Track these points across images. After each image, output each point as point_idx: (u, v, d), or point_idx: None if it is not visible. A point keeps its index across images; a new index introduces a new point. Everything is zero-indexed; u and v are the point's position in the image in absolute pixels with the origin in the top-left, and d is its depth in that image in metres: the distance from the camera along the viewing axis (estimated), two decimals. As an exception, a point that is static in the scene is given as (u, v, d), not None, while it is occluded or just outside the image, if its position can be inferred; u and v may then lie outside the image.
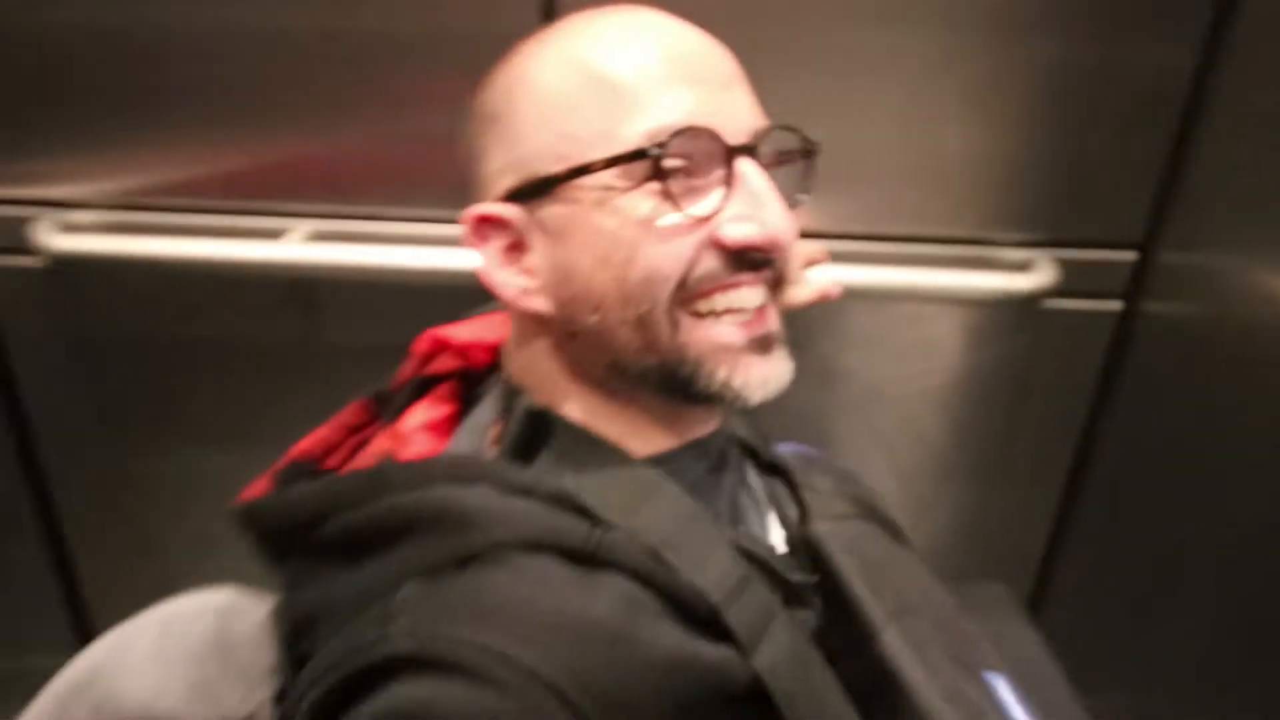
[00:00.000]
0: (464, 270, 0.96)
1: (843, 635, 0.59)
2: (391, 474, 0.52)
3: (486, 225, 0.56)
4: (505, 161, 0.56)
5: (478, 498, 0.50)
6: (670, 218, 0.51)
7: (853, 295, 1.07)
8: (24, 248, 1.03)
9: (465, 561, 0.47)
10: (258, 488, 0.60)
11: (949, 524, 1.32)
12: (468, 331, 0.67)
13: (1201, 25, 0.99)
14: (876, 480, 1.29)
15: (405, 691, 0.42)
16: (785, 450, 0.74)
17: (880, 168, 1.07)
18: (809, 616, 0.59)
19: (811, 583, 0.60)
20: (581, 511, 0.51)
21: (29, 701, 0.60)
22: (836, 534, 0.63)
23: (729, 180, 0.52)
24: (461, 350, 0.66)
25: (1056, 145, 1.06)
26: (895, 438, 1.25)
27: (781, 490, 0.69)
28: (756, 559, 0.56)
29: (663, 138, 0.50)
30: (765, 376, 0.55)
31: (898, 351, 1.19)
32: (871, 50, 1.01)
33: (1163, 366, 1.12)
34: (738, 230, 0.52)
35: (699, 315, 0.54)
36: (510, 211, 0.55)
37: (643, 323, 0.53)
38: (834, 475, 0.72)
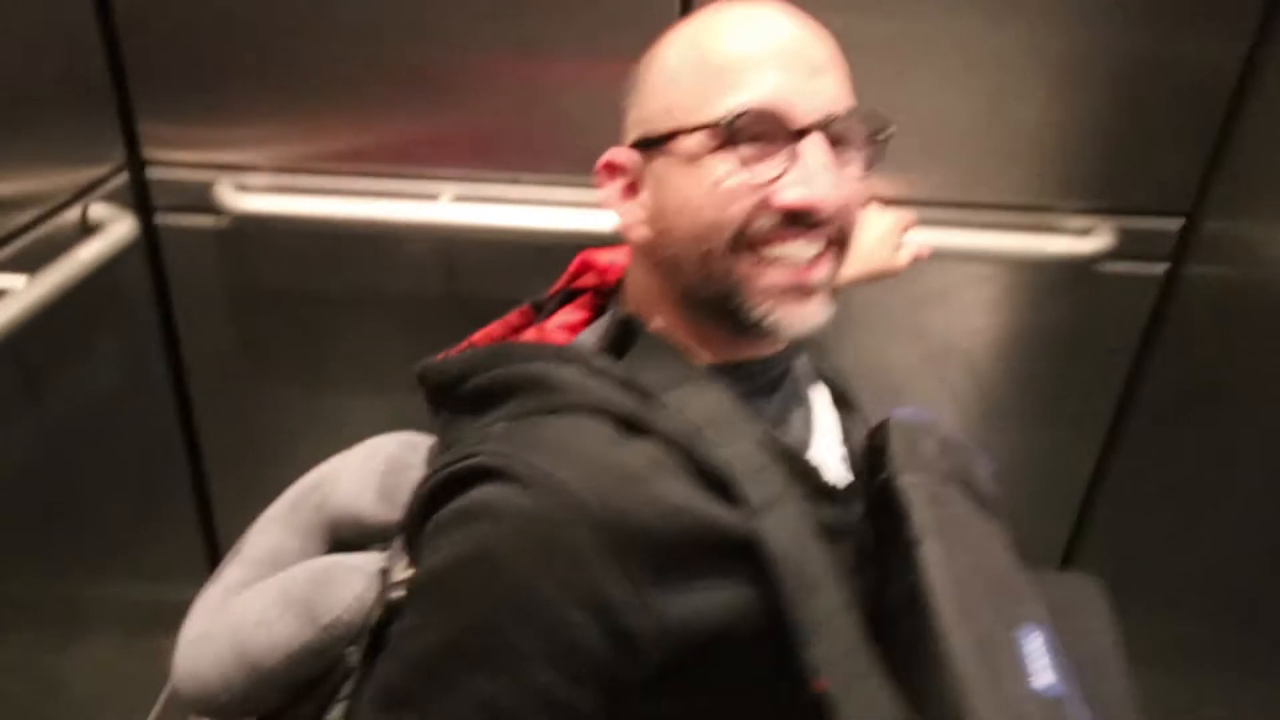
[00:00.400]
0: (589, 230, 1.09)
1: (891, 556, 0.67)
2: (512, 350, 0.67)
3: (613, 168, 0.70)
4: (634, 120, 0.69)
5: (567, 373, 0.63)
6: (736, 179, 0.62)
7: (933, 257, 1.20)
8: (206, 207, 1.14)
9: (545, 414, 0.61)
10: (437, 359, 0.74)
11: (1000, 464, 1.42)
12: (609, 256, 0.79)
13: (1251, 18, 1.08)
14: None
15: (476, 494, 0.57)
16: (902, 413, 0.79)
17: (960, 143, 1.17)
18: (837, 515, 0.67)
19: (845, 487, 0.70)
20: (641, 393, 0.63)
21: (168, 630, 0.74)
22: (917, 485, 0.71)
23: (793, 154, 0.62)
24: (602, 270, 0.78)
25: (1115, 122, 1.15)
26: (962, 386, 1.35)
27: (855, 427, 0.79)
28: (787, 453, 0.65)
29: (740, 113, 0.62)
30: (801, 318, 0.65)
31: (969, 308, 1.29)
32: (956, 39, 1.10)
33: (1202, 325, 1.21)
34: (787, 195, 0.62)
35: (756, 261, 0.64)
36: (629, 158, 0.68)
37: (706, 259, 0.64)
38: (940, 441, 0.77)
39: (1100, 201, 1.21)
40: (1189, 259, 1.22)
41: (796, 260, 0.64)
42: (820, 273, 0.65)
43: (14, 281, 0.88)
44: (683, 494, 0.59)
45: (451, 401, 0.68)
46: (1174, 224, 1.21)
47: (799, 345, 0.75)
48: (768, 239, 0.63)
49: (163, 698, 1.33)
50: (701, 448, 0.61)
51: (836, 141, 0.64)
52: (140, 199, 1.16)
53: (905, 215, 1.06)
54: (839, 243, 0.66)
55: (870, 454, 0.75)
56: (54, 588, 1.10)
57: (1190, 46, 1.11)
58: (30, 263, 0.93)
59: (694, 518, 0.58)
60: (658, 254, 0.68)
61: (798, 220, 0.63)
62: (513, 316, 0.78)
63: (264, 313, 1.26)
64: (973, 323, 1.31)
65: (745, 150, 0.62)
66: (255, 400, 1.32)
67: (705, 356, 0.69)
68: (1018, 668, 0.62)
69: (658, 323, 0.69)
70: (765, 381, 0.71)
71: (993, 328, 1.32)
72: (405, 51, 1.10)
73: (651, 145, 0.66)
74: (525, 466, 0.56)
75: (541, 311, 0.79)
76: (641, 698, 0.59)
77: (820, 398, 0.78)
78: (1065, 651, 0.70)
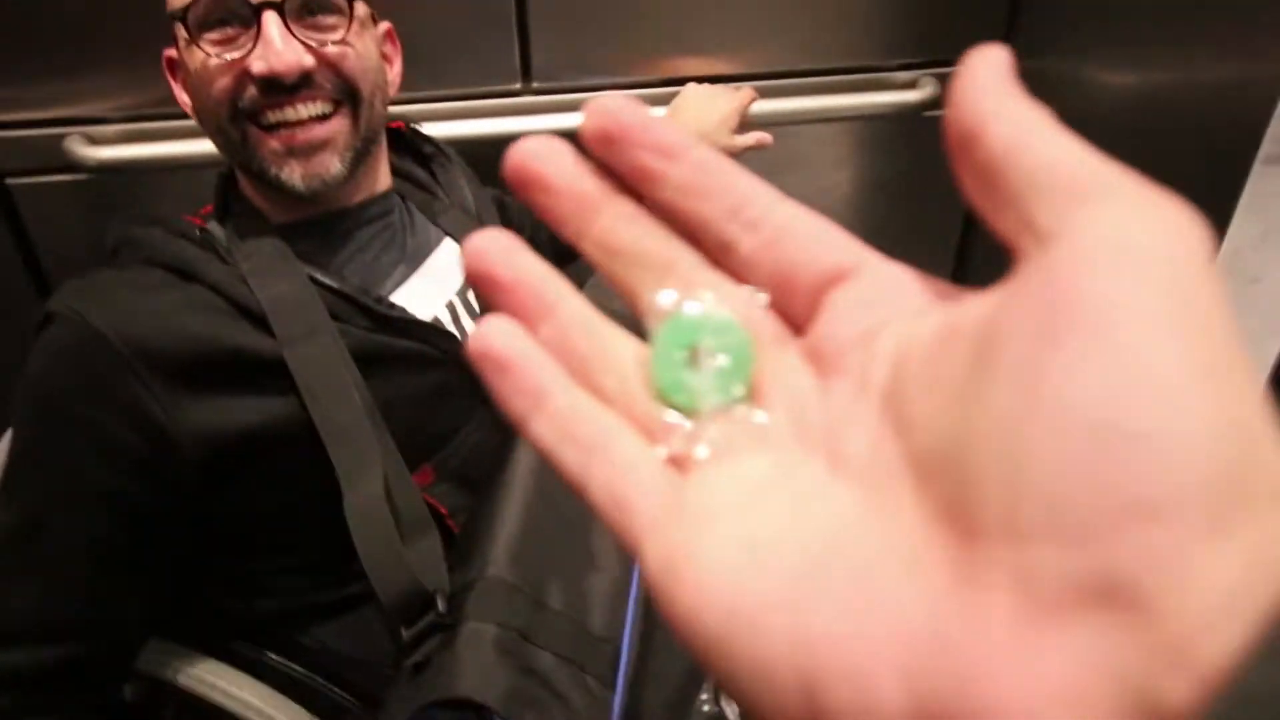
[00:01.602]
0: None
1: None
2: (131, 221, 0.77)
3: (170, 61, 0.79)
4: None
5: (147, 233, 0.74)
6: (215, 60, 0.71)
7: (778, 123, 1.26)
8: (58, 165, 1.11)
9: (113, 267, 0.73)
10: None
11: None
12: None
13: None
14: None
15: (41, 335, 0.68)
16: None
17: (792, 16, 1.23)
18: (391, 342, 0.77)
19: (415, 320, 0.79)
20: (213, 249, 0.75)
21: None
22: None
23: (258, 32, 0.70)
24: None
25: None
26: None
27: None
28: (341, 294, 0.76)
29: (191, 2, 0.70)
30: (306, 174, 0.74)
31: (820, 169, 1.38)
32: None
33: None
34: (253, 67, 0.70)
35: (258, 129, 0.73)
36: (175, 51, 0.77)
37: (219, 133, 0.75)
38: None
39: (920, 56, 1.29)
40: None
41: (290, 122, 0.72)
42: (322, 131, 0.73)
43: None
44: (212, 325, 0.69)
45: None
46: (988, 69, 1.32)
47: (381, 201, 0.83)
48: (261, 108, 0.71)
49: None
50: (237, 291, 0.71)
51: (303, 13, 0.71)
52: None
53: (745, 95, 1.11)
54: (350, 99, 0.74)
55: None
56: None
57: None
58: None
59: (218, 344, 0.69)
60: (212, 138, 0.76)
61: (275, 88, 0.70)
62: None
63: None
64: (825, 181, 1.39)
65: (215, 33, 0.70)
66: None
67: (278, 215, 0.78)
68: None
69: (245, 189, 0.79)
70: (337, 235, 0.80)
71: (842, 184, 1.40)
72: None
73: (174, 38, 0.75)
74: (65, 309, 0.67)
75: None
76: (204, 493, 0.70)
77: (448, 251, 0.87)
78: None
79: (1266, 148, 0.83)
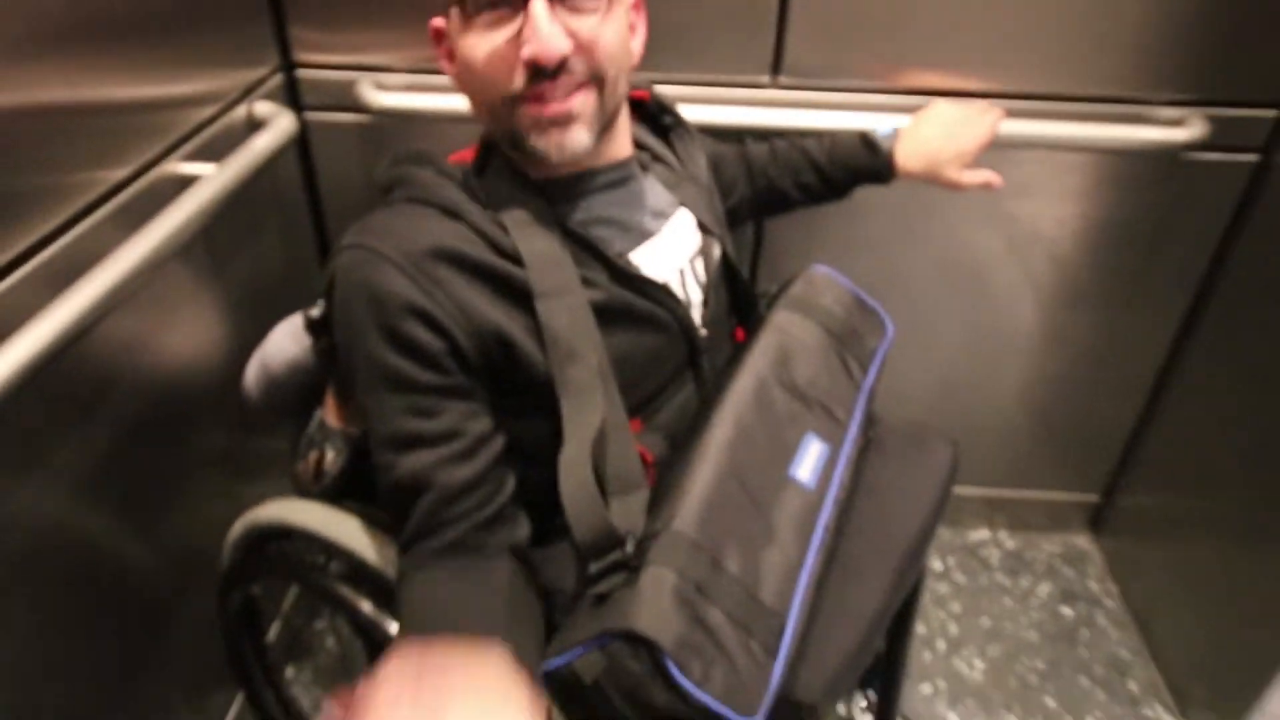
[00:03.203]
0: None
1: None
2: (404, 158, 0.83)
3: (437, 33, 0.82)
4: None
5: (420, 173, 0.81)
6: (489, 44, 0.74)
7: (1028, 146, 1.22)
8: (350, 105, 1.23)
9: (395, 202, 0.80)
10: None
11: (1077, 348, 1.47)
12: None
13: None
14: (1017, 312, 1.43)
15: (334, 261, 0.76)
16: (820, 269, 0.96)
17: (1053, 36, 1.18)
18: (633, 299, 0.81)
19: (654, 280, 0.83)
20: (472, 193, 0.80)
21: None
22: (781, 314, 0.89)
23: (526, 16, 0.72)
24: None
25: (1208, 12, 1.15)
26: (1042, 273, 1.40)
27: (711, 249, 0.92)
28: (589, 247, 0.81)
29: None
30: (559, 144, 0.77)
31: (1055, 198, 1.32)
32: None
33: None
34: (524, 52, 0.73)
35: (524, 102, 0.75)
36: (445, 24, 0.80)
37: (490, 109, 0.78)
38: (839, 297, 0.94)
39: (1193, 93, 1.22)
40: (1280, 148, 1.22)
41: (548, 99, 0.75)
42: (572, 104, 0.76)
43: (205, 169, 0.99)
44: (477, 250, 0.75)
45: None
46: (1269, 114, 1.22)
47: (622, 167, 0.87)
48: (528, 89, 0.75)
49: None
50: (494, 233, 0.77)
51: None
52: (293, 97, 1.25)
53: (990, 126, 1.07)
54: (597, 80, 0.77)
55: (779, 288, 0.94)
56: (239, 439, 1.25)
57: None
58: (213, 154, 1.02)
59: (484, 264, 0.75)
60: (473, 105, 0.81)
61: (537, 73, 0.74)
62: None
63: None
64: (1059, 212, 1.34)
65: (487, 15, 0.74)
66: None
67: (533, 173, 0.83)
68: (782, 453, 0.78)
69: (504, 149, 0.83)
70: (583, 192, 0.84)
71: (1077, 217, 1.35)
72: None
73: (447, 16, 0.79)
74: (355, 240, 0.75)
75: None
76: (487, 388, 0.76)
77: (683, 220, 0.91)
78: (865, 477, 0.87)
79: None
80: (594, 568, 0.69)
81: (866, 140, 1.06)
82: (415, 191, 0.79)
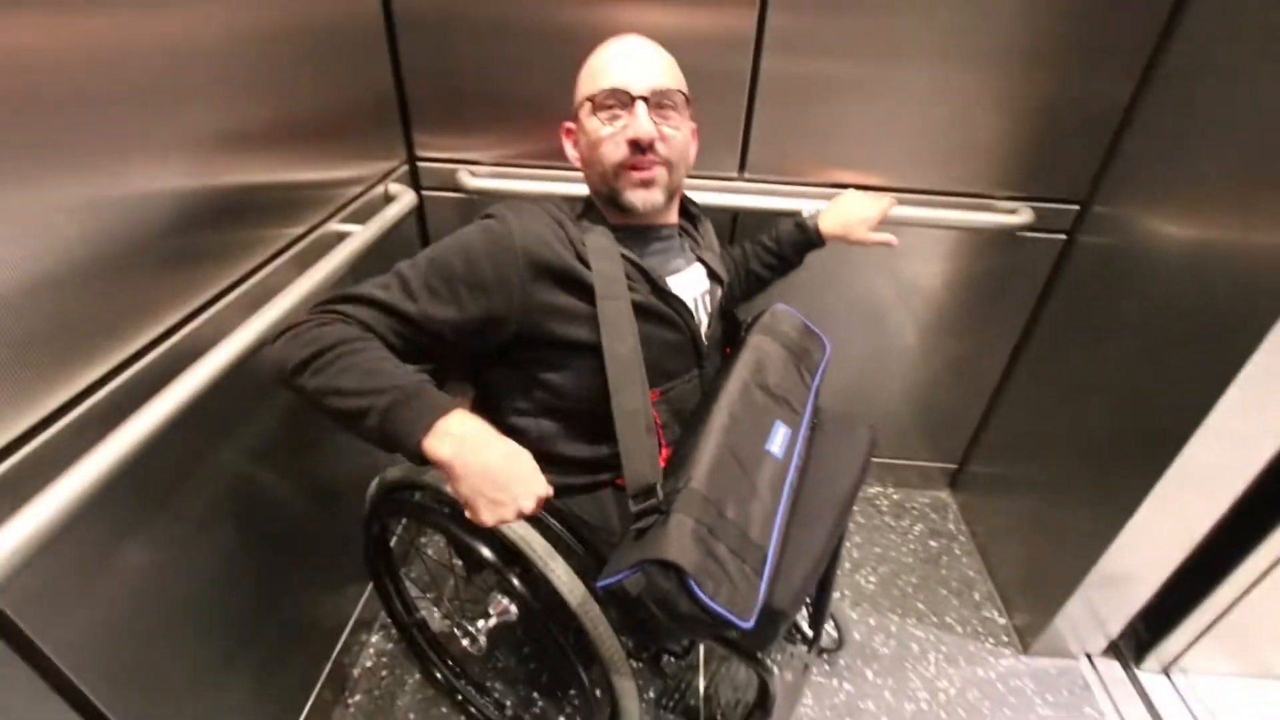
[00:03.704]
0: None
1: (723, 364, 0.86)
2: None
3: (569, 130, 0.85)
4: (576, 101, 0.83)
5: (550, 200, 0.82)
6: (607, 129, 0.78)
7: (906, 224, 1.21)
8: (452, 186, 1.22)
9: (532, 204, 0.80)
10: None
11: (943, 361, 1.45)
12: None
13: (1136, 64, 1.06)
14: (903, 336, 1.40)
15: (483, 221, 0.76)
16: (781, 307, 0.96)
17: (928, 148, 1.19)
18: (663, 304, 0.80)
19: (679, 297, 0.82)
20: (574, 222, 0.80)
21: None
22: (755, 336, 0.89)
23: (632, 112, 0.76)
24: None
25: (1034, 136, 1.16)
26: (919, 311, 1.39)
27: (715, 290, 0.91)
28: (640, 269, 0.80)
29: (597, 91, 0.77)
30: (644, 198, 0.80)
31: (930, 260, 1.32)
32: (929, 79, 1.11)
33: (1087, 278, 1.22)
34: (628, 132, 0.76)
35: (625, 169, 0.79)
36: (574, 123, 0.83)
37: (601, 173, 0.80)
38: (795, 325, 0.94)
39: (1023, 191, 1.22)
40: (1082, 232, 1.23)
41: (642, 168, 0.79)
42: (655, 173, 0.79)
43: (354, 228, 0.98)
44: (565, 257, 0.75)
45: None
46: (1073, 209, 1.23)
47: (670, 229, 0.88)
48: (629, 159, 0.78)
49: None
50: (580, 247, 0.77)
51: (659, 105, 0.78)
52: (415, 180, 1.24)
53: (887, 202, 1.08)
54: (669, 163, 0.80)
55: (753, 319, 0.94)
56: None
57: (1090, 85, 1.10)
58: (360, 218, 1.02)
59: (568, 268, 0.75)
60: (588, 174, 0.83)
61: (637, 147, 0.77)
62: None
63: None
64: (931, 270, 1.34)
65: (605, 113, 0.77)
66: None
67: (614, 219, 0.84)
68: (760, 434, 0.78)
69: (598, 201, 0.85)
70: (645, 238, 0.85)
71: (944, 273, 1.34)
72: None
73: (577, 113, 0.81)
74: (498, 213, 0.76)
75: None
76: (519, 329, 0.75)
77: (698, 270, 0.90)
78: (814, 451, 0.86)
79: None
80: (635, 508, 0.68)
81: (798, 223, 1.07)
82: (545, 205, 0.80)
